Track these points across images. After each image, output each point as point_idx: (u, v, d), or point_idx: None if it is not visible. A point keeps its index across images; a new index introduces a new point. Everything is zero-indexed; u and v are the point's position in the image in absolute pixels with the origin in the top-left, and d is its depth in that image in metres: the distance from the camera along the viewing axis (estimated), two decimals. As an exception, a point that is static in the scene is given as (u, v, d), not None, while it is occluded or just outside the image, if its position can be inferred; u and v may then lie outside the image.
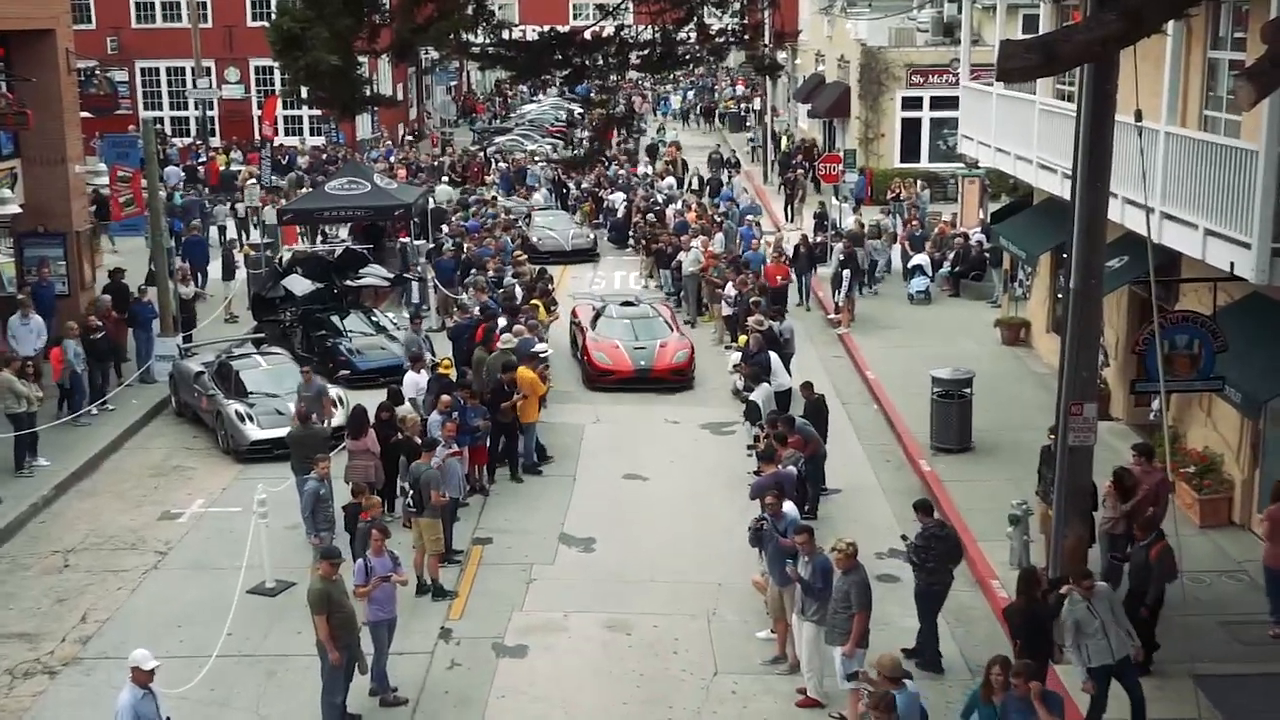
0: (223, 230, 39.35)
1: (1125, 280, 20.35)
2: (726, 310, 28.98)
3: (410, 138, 60.85)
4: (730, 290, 28.74)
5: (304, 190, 40.97)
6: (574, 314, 28.78)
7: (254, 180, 42.80)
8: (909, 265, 33.64)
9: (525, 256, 33.16)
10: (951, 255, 34.07)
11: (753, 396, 21.78)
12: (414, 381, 22.33)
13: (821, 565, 14.30)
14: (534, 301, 27.30)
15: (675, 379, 26.10)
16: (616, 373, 26.10)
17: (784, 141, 55.84)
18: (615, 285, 36.37)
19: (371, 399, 21.32)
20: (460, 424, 19.63)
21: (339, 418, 22.68)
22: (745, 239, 34.76)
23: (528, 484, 21.43)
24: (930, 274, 33.18)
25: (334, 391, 23.80)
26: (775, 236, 34.96)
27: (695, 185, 47.69)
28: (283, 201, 38.75)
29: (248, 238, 38.29)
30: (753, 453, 21.63)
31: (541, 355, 23.37)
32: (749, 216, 38.32)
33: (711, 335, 29.96)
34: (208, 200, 42.89)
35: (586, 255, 39.64)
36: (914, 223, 36.53)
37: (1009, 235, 26.25)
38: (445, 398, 20.03)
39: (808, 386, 21.16)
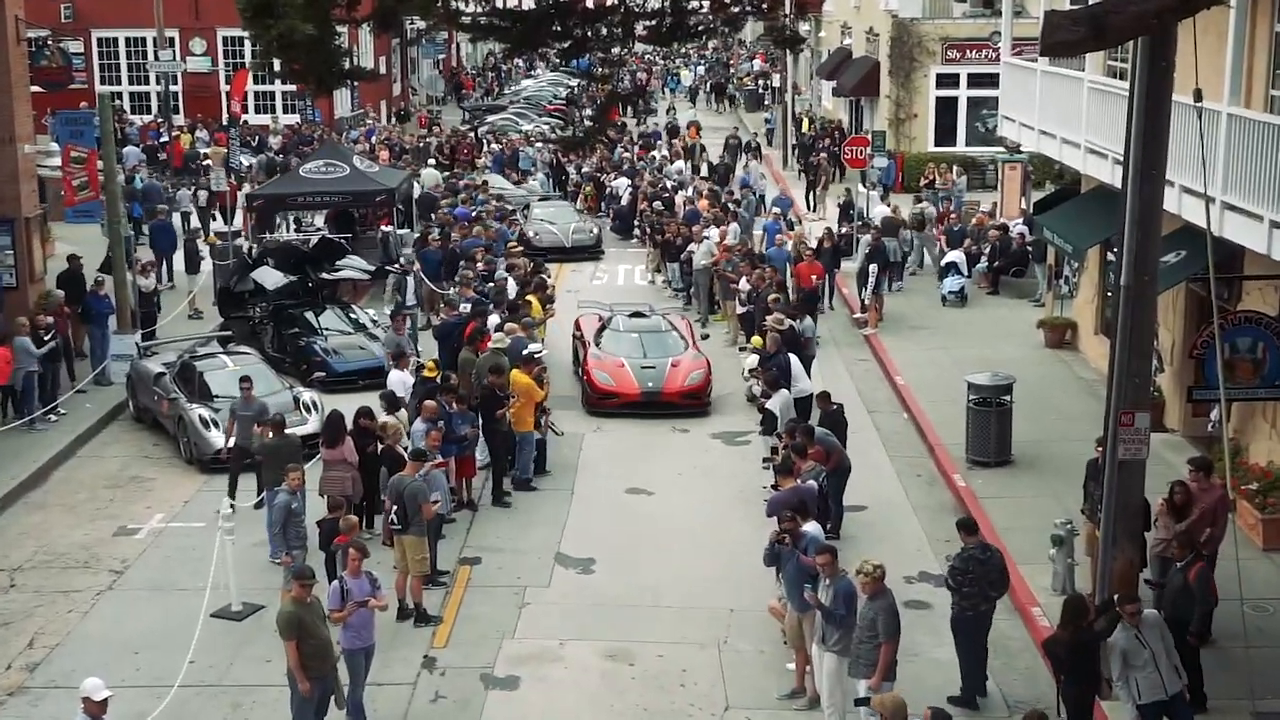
0: (186, 218, 39.40)
1: (1182, 277, 20.32)
2: (741, 309, 28.97)
3: (395, 118, 60.85)
4: (745, 285, 28.71)
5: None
6: (577, 326, 28.07)
7: (213, 165, 42.64)
8: (942, 263, 33.63)
9: (520, 248, 33.16)
10: (990, 249, 34.06)
11: (770, 404, 21.78)
12: (400, 380, 22.32)
13: (844, 589, 14.30)
14: (528, 297, 27.29)
15: (687, 404, 25.42)
16: (620, 395, 25.39)
17: (806, 124, 55.69)
18: (619, 280, 36.40)
19: (350, 403, 21.35)
20: (446, 432, 19.65)
21: (313, 424, 22.74)
22: (770, 233, 34.54)
23: (521, 499, 21.42)
24: (966, 272, 33.08)
25: (307, 396, 23.85)
26: (797, 230, 34.86)
27: (705, 171, 47.63)
28: (247, 187, 38.69)
29: (212, 224, 38.32)
30: (769, 465, 21.66)
31: (535, 355, 23.41)
32: (776, 210, 38.22)
33: (725, 335, 29.98)
34: (170, 184, 42.96)
35: (589, 252, 39.19)
36: (952, 216, 36.37)
37: (1054, 227, 26.23)
38: (429, 403, 20.05)
39: (824, 397, 21.18)
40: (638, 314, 27.83)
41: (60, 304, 26.38)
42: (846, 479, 19.70)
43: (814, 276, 30.10)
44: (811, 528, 15.95)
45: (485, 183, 43.94)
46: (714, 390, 26.06)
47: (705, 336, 27.89)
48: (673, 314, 29.13)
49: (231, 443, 21.28)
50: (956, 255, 33.38)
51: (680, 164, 47.91)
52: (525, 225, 38.84)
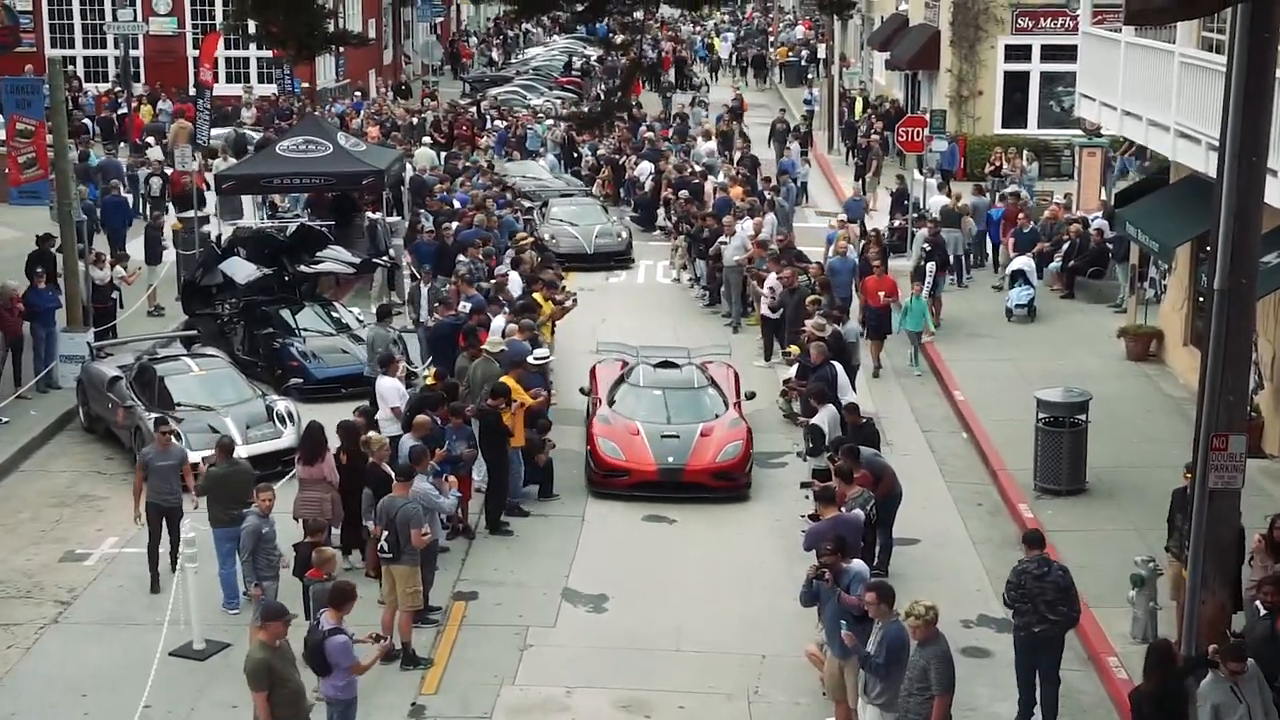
0: (142, 199, 39.37)
1: (1285, 280, 20.28)
2: (767, 311, 28.77)
3: (393, 93, 60.86)
4: (772, 284, 28.47)
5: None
6: (592, 375, 25.57)
7: (179, 142, 42.71)
8: (1008, 270, 32.83)
9: (529, 239, 33.14)
10: (1065, 246, 34.01)
11: (816, 419, 21.77)
12: (394, 387, 22.33)
13: (893, 634, 14.29)
14: (535, 295, 27.26)
15: (719, 485, 22.58)
16: (632, 472, 22.46)
17: (860, 104, 54.98)
18: (639, 278, 36.41)
19: (330, 414, 21.40)
20: (444, 454, 19.71)
21: (289, 437, 22.78)
22: (836, 273, 30.96)
23: (524, 526, 21.46)
24: (1034, 282, 32.03)
25: (282, 405, 23.91)
26: (845, 232, 33.14)
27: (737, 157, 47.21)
28: (204, 163, 38.51)
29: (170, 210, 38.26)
30: (809, 491, 21.65)
31: (540, 361, 23.41)
32: (842, 216, 36.70)
33: (758, 341, 29.94)
34: (131, 161, 43.13)
35: (616, 260, 37.55)
36: (1021, 216, 34.94)
37: (1138, 222, 26.20)
38: (421, 418, 20.08)
39: (853, 409, 21.15)
40: (667, 364, 25.04)
41: (13, 295, 26.34)
42: (897, 507, 19.69)
43: (882, 294, 28.36)
44: (857, 564, 15.95)
45: (490, 164, 44.00)
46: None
47: (750, 395, 24.61)
48: (716, 360, 26.20)
49: (142, 505, 19.34)
50: (1024, 262, 32.36)
51: (711, 144, 47.83)
52: (541, 227, 37.55)
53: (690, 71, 74.34)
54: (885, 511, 19.31)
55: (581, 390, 25.24)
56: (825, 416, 21.55)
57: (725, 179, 40.38)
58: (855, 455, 18.97)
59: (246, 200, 37.33)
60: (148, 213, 36.41)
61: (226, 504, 18.40)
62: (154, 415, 23.03)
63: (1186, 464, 16.65)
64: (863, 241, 33.36)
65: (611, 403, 23.90)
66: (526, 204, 39.37)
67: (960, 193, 37.36)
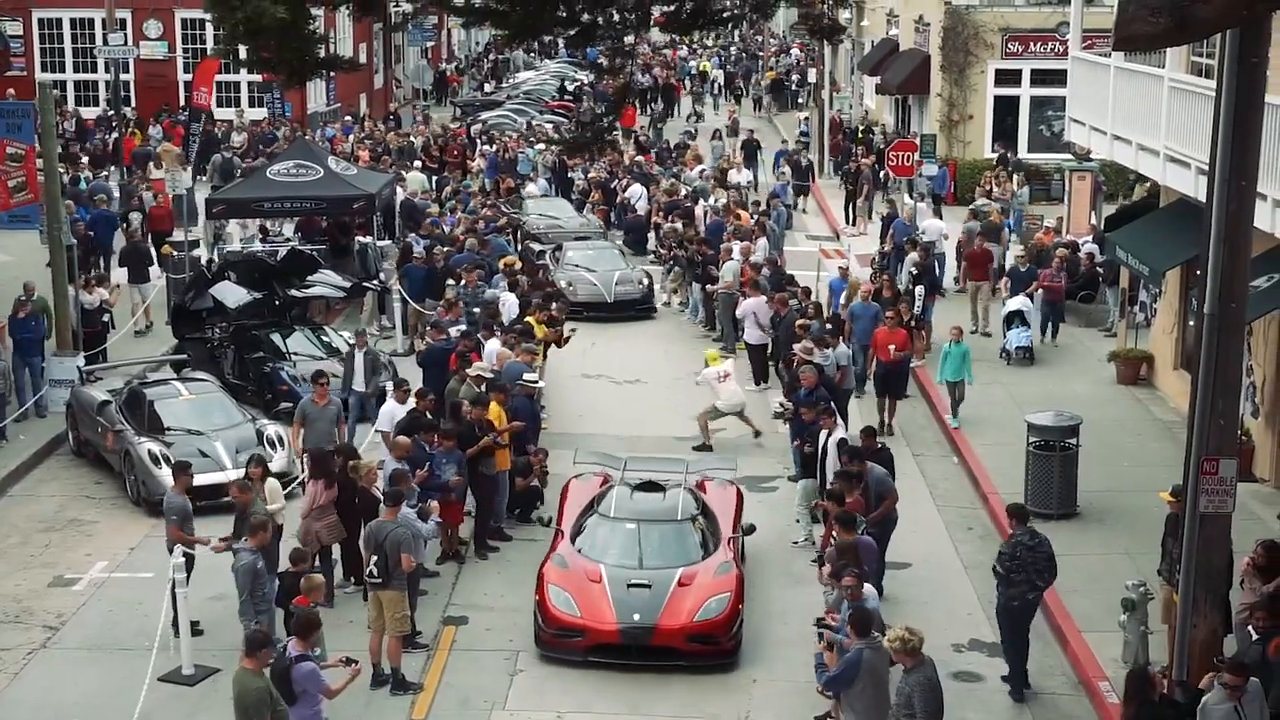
0: (126, 217, 39.10)
1: (1275, 304, 20.31)
2: (753, 336, 28.70)
3: (383, 122, 60.85)
4: (754, 308, 28.38)
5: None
6: (563, 497, 21.07)
7: (167, 165, 42.62)
8: (1004, 312, 31.03)
9: (519, 263, 33.12)
10: (1055, 271, 33.97)
11: (808, 449, 21.76)
12: (390, 414, 22.32)
13: (851, 658, 14.39)
14: (529, 319, 27.23)
15: (696, 650, 18.10)
16: (588, 632, 18.10)
17: (857, 125, 54.90)
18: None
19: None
20: (428, 475, 19.68)
21: (278, 462, 22.74)
22: (835, 292, 31.12)
23: (513, 550, 21.41)
24: (1031, 323, 30.44)
25: (273, 430, 23.89)
26: (855, 279, 31.02)
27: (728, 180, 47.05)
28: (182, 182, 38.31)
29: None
30: (799, 518, 21.63)
31: (530, 384, 23.37)
32: (843, 265, 33.33)
33: (749, 369, 29.86)
34: (119, 185, 43.07)
35: (638, 309, 34.88)
36: (1019, 255, 33.37)
37: (1128, 246, 26.26)
38: (403, 440, 20.06)
39: (869, 432, 21.07)
40: (649, 485, 20.41)
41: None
42: (892, 530, 19.70)
43: (892, 347, 26.26)
44: (870, 592, 15.96)
45: (483, 189, 43.93)
46: (734, 427, 25.71)
47: (750, 530, 20.28)
48: (717, 477, 21.59)
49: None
50: (1021, 302, 30.60)
51: (701, 167, 47.92)
52: (556, 272, 35.29)
53: (676, 98, 74.17)
54: (881, 534, 19.30)
55: (541, 520, 21.67)
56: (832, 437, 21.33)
57: (719, 203, 40.36)
58: (849, 479, 18.96)
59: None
60: (141, 229, 36.34)
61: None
62: (144, 440, 22.94)
63: (1177, 487, 16.66)
64: (875, 286, 30.98)
65: (576, 535, 19.57)
66: (538, 247, 37.85)
67: (992, 208, 37.19)
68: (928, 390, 28.51)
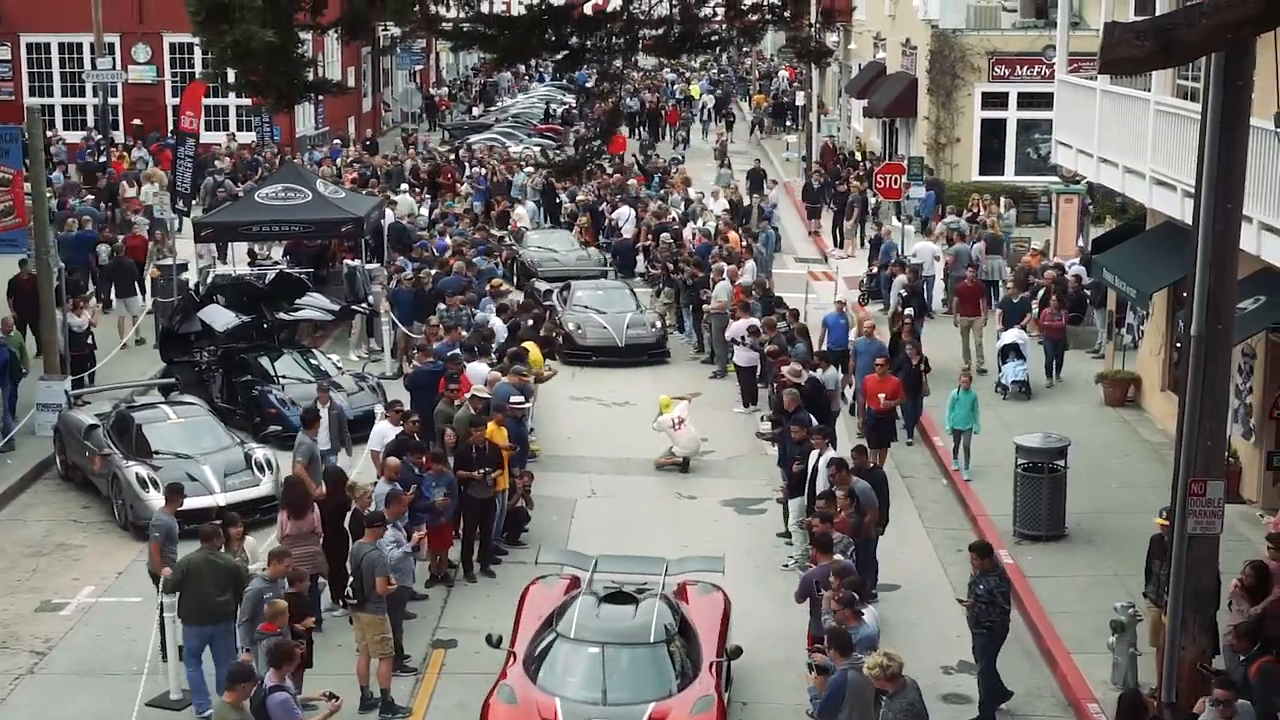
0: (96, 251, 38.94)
1: (1262, 326, 20.36)
2: (743, 358, 28.73)
3: (363, 146, 60.85)
4: (738, 327, 28.47)
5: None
6: (520, 606, 18.06)
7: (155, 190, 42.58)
8: (999, 345, 30.16)
9: (505, 285, 33.11)
10: (1042, 293, 34.02)
11: (797, 467, 21.75)
12: (380, 434, 22.29)
13: (835, 682, 14.33)
14: (524, 344, 27.21)
15: None
16: None
17: (851, 150, 54.75)
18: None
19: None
20: (415, 498, 19.66)
21: (267, 485, 22.71)
22: (832, 328, 29.94)
23: (500, 572, 21.38)
24: (1027, 355, 29.59)
25: (261, 453, 23.86)
26: (860, 315, 30.47)
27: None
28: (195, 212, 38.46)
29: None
30: (788, 539, 21.62)
31: (517, 406, 23.36)
32: (839, 299, 32.98)
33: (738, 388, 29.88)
34: (114, 207, 43.15)
35: (650, 354, 32.92)
36: (1010, 286, 32.71)
37: (1115, 268, 26.30)
38: (392, 461, 20.04)
39: (861, 451, 21.03)
40: (618, 596, 17.38)
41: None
42: (874, 549, 19.70)
43: (882, 395, 25.01)
44: (869, 617, 15.91)
45: (470, 209, 43.93)
46: (722, 444, 25.51)
47: (736, 653, 17.09)
48: (701, 581, 18.57)
49: None
50: (1016, 335, 29.79)
51: (691, 192, 48.03)
52: (563, 314, 33.36)
53: (669, 124, 74.14)
54: (864, 552, 19.30)
55: (490, 641, 17.20)
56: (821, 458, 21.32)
57: (710, 225, 40.41)
58: (831, 499, 18.96)
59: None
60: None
61: (199, 599, 16.98)
62: (132, 463, 22.97)
63: (1164, 509, 16.68)
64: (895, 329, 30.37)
65: (529, 661, 16.58)
66: (544, 286, 35.77)
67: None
68: (924, 428, 28.12)
